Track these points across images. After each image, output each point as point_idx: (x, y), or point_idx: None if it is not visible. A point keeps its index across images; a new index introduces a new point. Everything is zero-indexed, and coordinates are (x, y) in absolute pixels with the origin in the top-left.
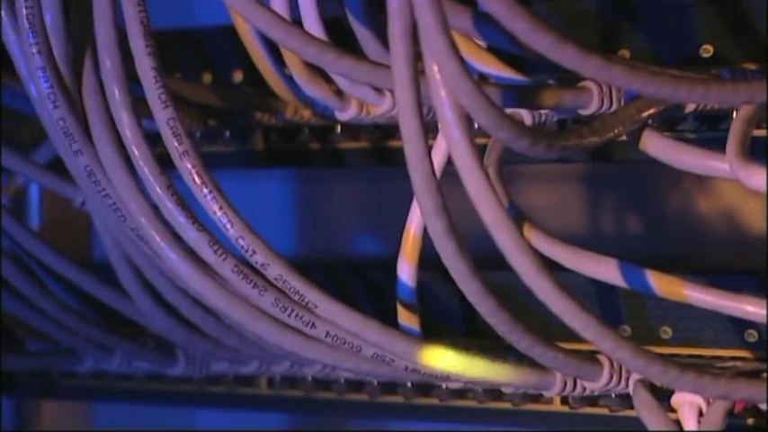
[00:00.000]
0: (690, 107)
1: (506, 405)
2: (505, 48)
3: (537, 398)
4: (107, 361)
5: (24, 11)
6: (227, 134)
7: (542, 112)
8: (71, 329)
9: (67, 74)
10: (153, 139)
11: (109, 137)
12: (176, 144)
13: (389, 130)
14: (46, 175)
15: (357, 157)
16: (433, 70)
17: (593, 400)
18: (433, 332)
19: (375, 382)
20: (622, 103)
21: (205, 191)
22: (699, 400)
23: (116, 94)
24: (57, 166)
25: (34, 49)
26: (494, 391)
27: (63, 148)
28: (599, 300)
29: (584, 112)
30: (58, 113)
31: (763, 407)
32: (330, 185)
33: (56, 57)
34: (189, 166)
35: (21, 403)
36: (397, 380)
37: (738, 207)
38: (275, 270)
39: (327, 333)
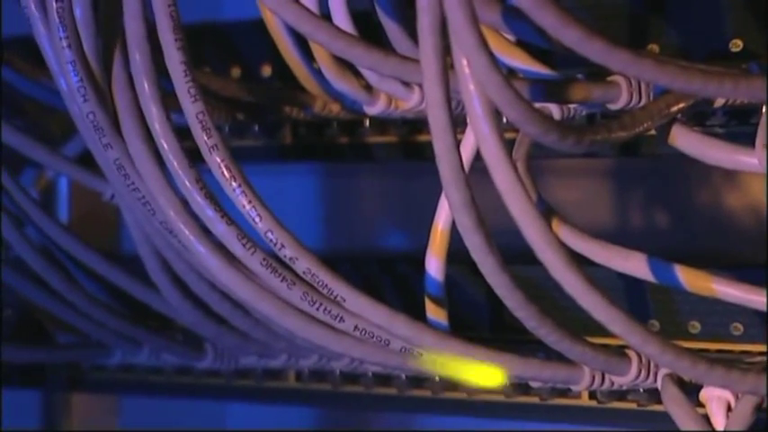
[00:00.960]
0: (719, 102)
1: (534, 399)
2: (534, 42)
3: (565, 392)
4: (136, 354)
5: (54, 5)
6: (256, 128)
7: (571, 106)
8: (100, 323)
9: (97, 68)
10: (182, 133)
11: (138, 130)
12: (205, 138)
13: (418, 124)
14: (75, 169)
15: (385, 151)
16: (462, 64)
17: (621, 395)
18: (460, 326)
19: (403, 376)
20: (651, 98)
21: (234, 184)
22: (727, 395)
23: (145, 87)
24: (86, 160)
25: (64, 44)
26: (522, 386)
27: (93, 142)
28: (627, 294)
29: (612, 107)
30: (88, 107)
31: None
32: (358, 180)
33: (86, 51)
34: (218, 159)
35: (50, 396)
36: (424, 374)
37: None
38: (304, 264)
39: (356, 327)
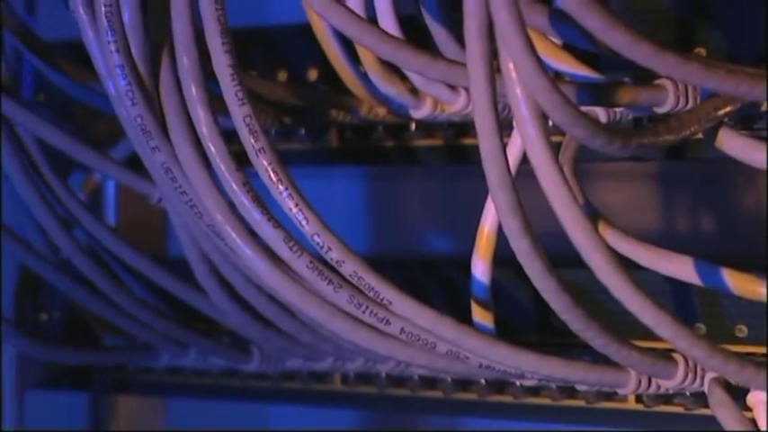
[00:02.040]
0: (766, 105)
1: (580, 403)
2: (581, 45)
3: (611, 396)
4: (182, 357)
5: (103, 9)
6: (302, 131)
7: (617, 109)
8: (147, 325)
9: (145, 71)
10: (229, 136)
11: (186, 134)
12: (252, 141)
13: (464, 127)
14: (123, 172)
15: (431, 154)
16: (509, 68)
17: (667, 399)
18: (506, 330)
19: (449, 379)
20: (698, 101)
21: (281, 188)
22: None
23: (193, 91)
24: (134, 163)
25: (113, 47)
26: (568, 389)
27: (140, 145)
28: (674, 298)
29: (659, 110)
30: (136, 111)
31: None
32: (404, 183)
33: (134, 55)
34: (265, 163)
35: (97, 398)
36: (470, 377)
37: None
38: (350, 267)
39: (402, 330)
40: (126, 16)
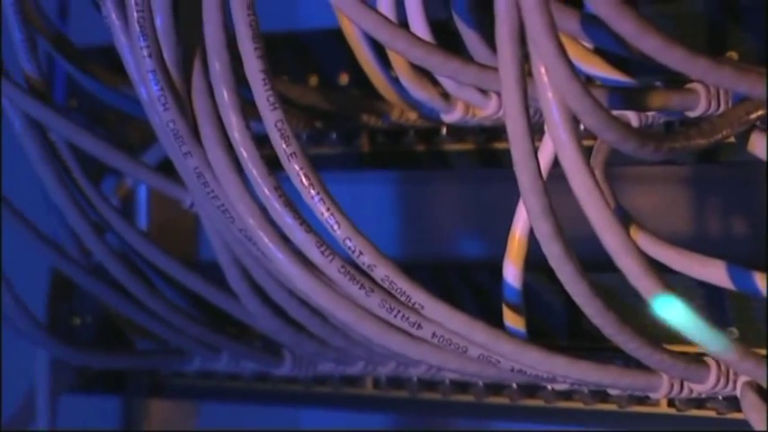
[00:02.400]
0: None
1: (612, 407)
2: (612, 49)
3: (643, 400)
4: (215, 361)
5: (135, 14)
6: (334, 136)
7: (649, 114)
8: (179, 329)
9: (177, 76)
10: (261, 141)
11: (218, 139)
12: (284, 146)
13: (495, 131)
14: (155, 177)
15: (462, 158)
16: (541, 72)
17: (700, 403)
18: (538, 333)
19: (480, 384)
20: (730, 105)
21: (312, 192)
22: None
23: (225, 96)
24: (166, 168)
25: (145, 53)
26: (600, 393)
27: (172, 150)
28: (706, 302)
29: (691, 114)
30: (168, 116)
31: None
32: (435, 187)
33: (166, 60)
34: (297, 167)
35: (129, 402)
36: (502, 381)
37: None
38: (382, 271)
39: (434, 334)
40: (158, 21)
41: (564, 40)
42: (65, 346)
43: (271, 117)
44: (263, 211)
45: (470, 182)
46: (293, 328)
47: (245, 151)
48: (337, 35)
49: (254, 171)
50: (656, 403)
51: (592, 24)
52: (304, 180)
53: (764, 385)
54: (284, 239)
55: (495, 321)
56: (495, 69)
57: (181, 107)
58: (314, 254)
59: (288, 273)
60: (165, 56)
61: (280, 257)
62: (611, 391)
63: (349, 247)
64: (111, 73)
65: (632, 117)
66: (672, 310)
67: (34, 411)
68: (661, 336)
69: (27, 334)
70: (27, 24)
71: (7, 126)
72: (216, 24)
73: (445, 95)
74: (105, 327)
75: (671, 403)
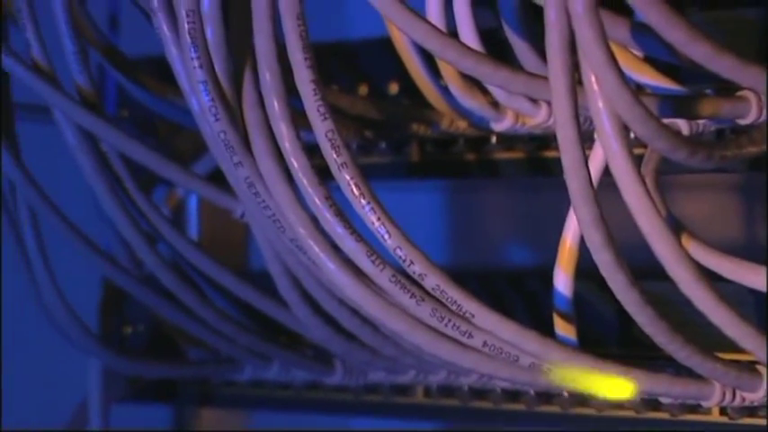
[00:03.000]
0: None
1: (664, 415)
2: (662, 58)
3: (695, 408)
4: (266, 370)
5: (186, 25)
6: (383, 145)
7: (700, 121)
8: (230, 338)
9: (228, 87)
10: (311, 151)
11: (269, 149)
12: (335, 156)
13: (545, 140)
14: (206, 187)
15: (512, 167)
16: (591, 81)
17: (752, 411)
18: (589, 342)
19: (531, 392)
20: None
21: (363, 202)
22: None
23: (275, 106)
24: (216, 178)
25: (196, 63)
26: (651, 402)
27: (223, 160)
28: (757, 310)
29: (742, 122)
30: (219, 126)
31: None
32: (485, 196)
33: (217, 70)
34: (347, 177)
35: (181, 411)
36: (553, 390)
37: None
38: (433, 280)
39: (485, 343)
40: (209, 32)
41: (614, 48)
42: (116, 356)
43: (321, 127)
44: (314, 220)
45: (520, 190)
46: (344, 336)
47: (296, 161)
48: (387, 44)
49: (305, 181)
50: (708, 412)
51: (642, 32)
52: (354, 190)
53: None
54: (335, 249)
55: (546, 330)
56: (545, 78)
57: (232, 117)
58: (365, 263)
59: (339, 282)
60: (216, 66)
61: (330, 267)
62: (663, 400)
63: (400, 257)
64: (162, 83)
65: (683, 125)
66: None
67: (87, 421)
68: (713, 344)
69: (79, 344)
70: (78, 36)
71: (60, 137)
72: (266, 35)
73: (495, 104)
74: (157, 336)
75: (723, 412)
